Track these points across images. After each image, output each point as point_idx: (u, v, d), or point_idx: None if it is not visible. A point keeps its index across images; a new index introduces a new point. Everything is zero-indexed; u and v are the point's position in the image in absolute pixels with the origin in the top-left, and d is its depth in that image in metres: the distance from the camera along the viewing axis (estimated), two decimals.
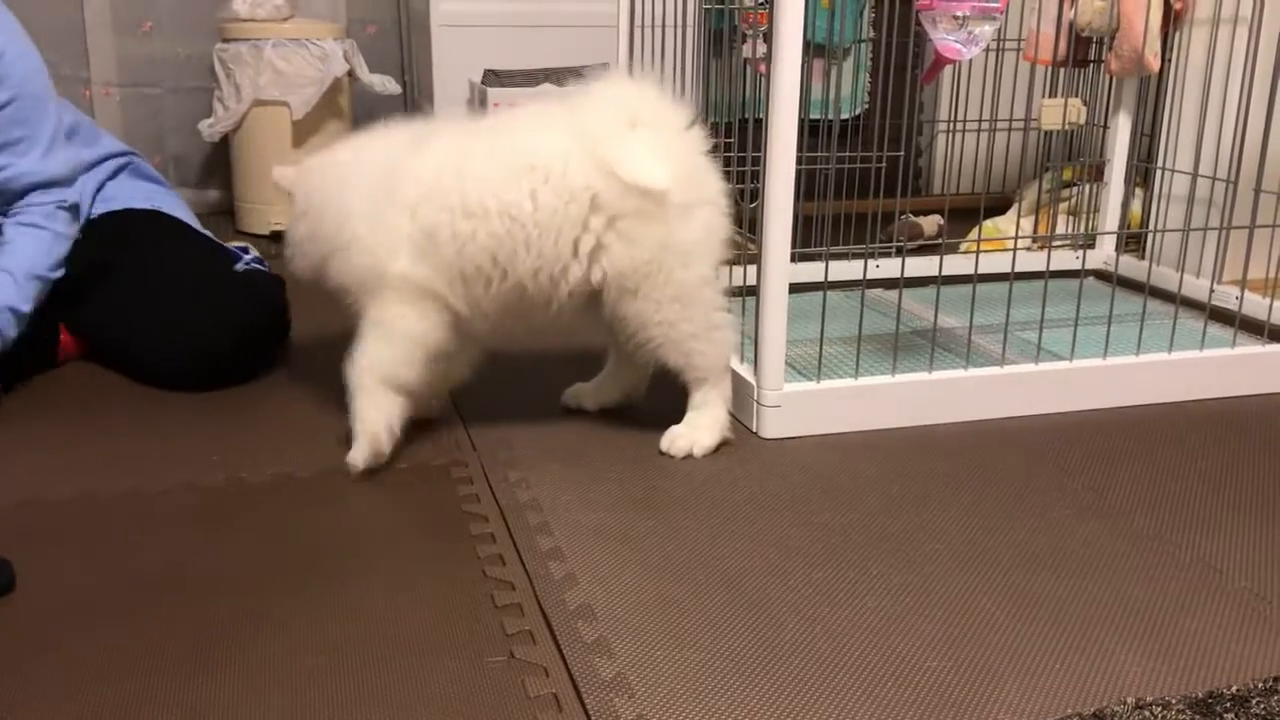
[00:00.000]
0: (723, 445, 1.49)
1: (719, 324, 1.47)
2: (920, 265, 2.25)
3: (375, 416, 1.40)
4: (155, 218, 1.87)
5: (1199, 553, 1.24)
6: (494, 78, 2.42)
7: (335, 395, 1.68)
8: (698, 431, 1.49)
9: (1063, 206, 2.50)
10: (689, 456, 1.47)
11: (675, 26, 2.03)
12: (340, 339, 1.91)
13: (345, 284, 1.43)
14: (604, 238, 1.39)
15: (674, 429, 1.50)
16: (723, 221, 1.47)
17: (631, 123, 1.41)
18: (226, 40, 2.63)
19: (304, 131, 2.60)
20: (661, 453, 1.48)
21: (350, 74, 2.64)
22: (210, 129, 2.66)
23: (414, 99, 3.00)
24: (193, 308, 1.71)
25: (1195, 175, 1.94)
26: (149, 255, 1.79)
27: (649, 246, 1.40)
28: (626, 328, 1.45)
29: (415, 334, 1.41)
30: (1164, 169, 2.20)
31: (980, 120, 2.34)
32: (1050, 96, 2.11)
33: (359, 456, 1.40)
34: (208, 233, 1.93)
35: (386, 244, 1.38)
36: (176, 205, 1.95)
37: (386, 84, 2.68)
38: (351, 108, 2.74)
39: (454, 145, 1.41)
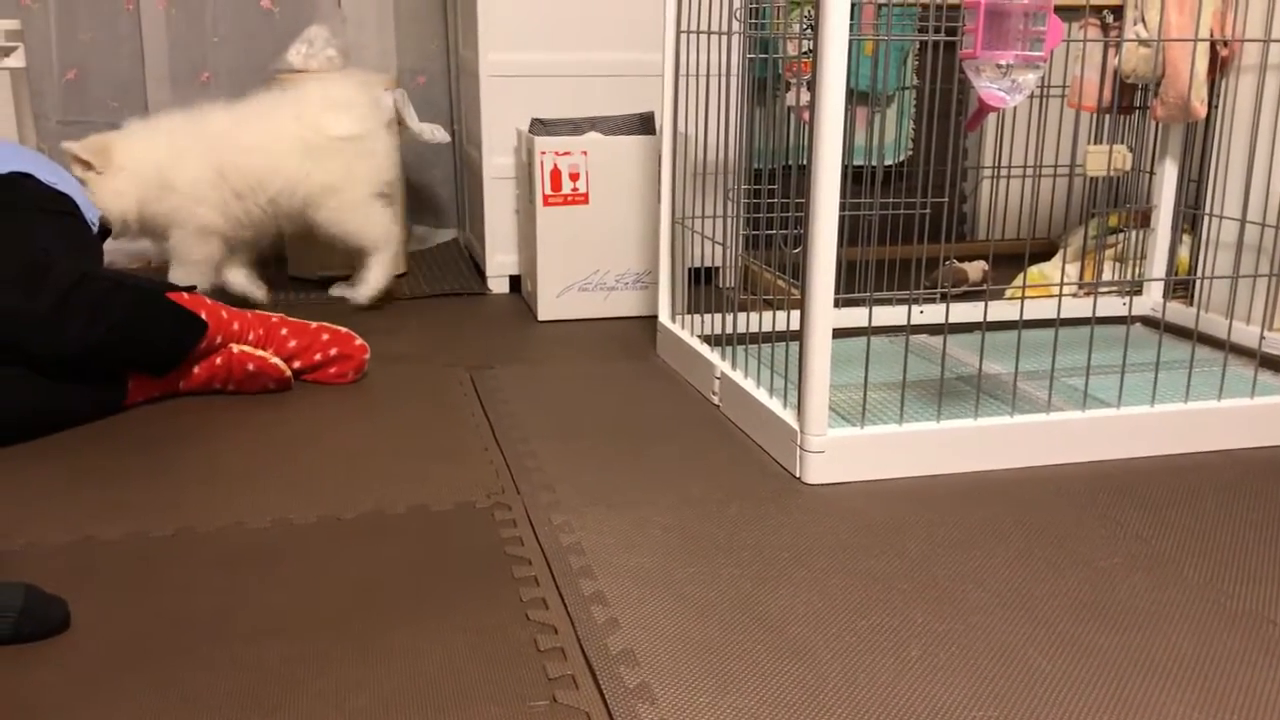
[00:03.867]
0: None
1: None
2: (965, 311, 2.25)
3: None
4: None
5: (1250, 604, 1.22)
6: (541, 127, 2.45)
7: (377, 437, 1.70)
8: (367, 280, 2.47)
9: (1109, 253, 2.49)
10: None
11: (720, 75, 2.05)
12: (387, 380, 1.94)
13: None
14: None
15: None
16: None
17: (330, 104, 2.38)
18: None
19: None
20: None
21: (400, 123, 2.69)
22: None
23: (463, 147, 3.05)
24: None
25: (1243, 221, 1.93)
26: None
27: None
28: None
29: None
30: (1211, 215, 2.19)
31: (1025, 166, 2.34)
32: (1095, 143, 2.11)
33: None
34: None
35: None
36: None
37: (436, 132, 2.73)
38: (401, 156, 2.79)
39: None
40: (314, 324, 1.97)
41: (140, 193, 2.26)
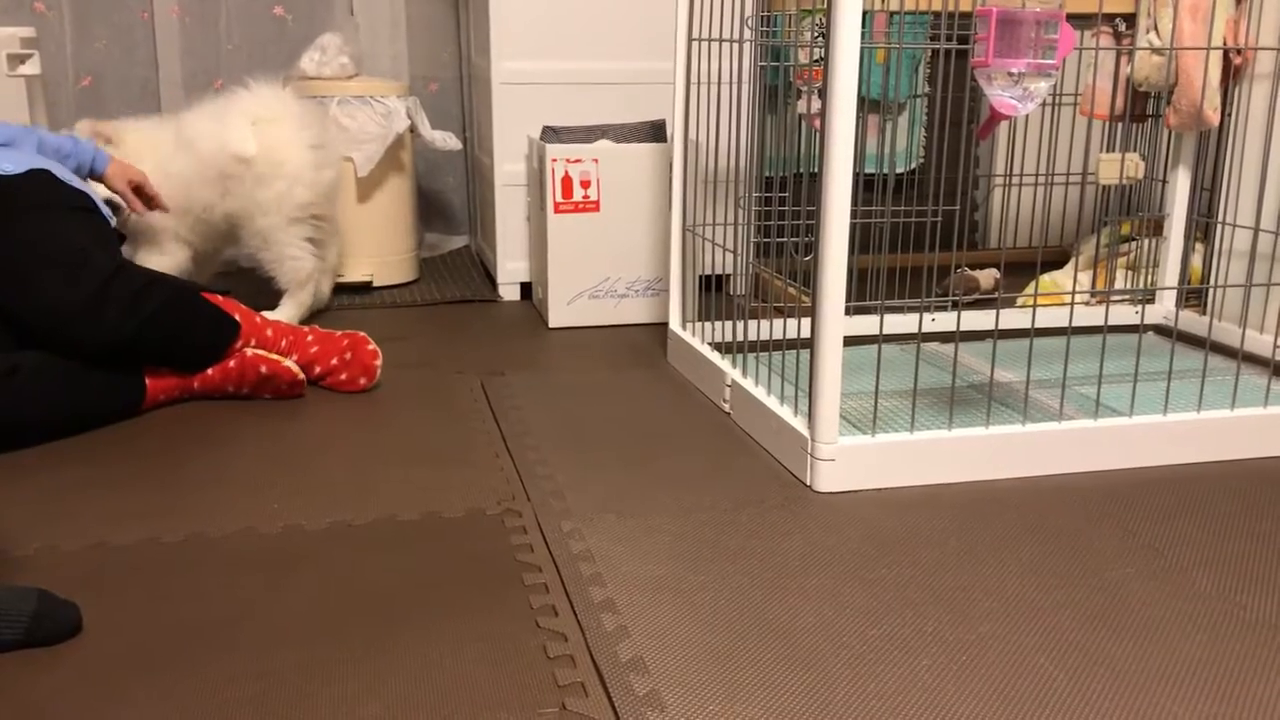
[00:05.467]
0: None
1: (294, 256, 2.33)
2: (977, 319, 2.24)
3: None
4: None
5: (1263, 614, 1.21)
6: (552, 134, 2.46)
7: (388, 444, 1.70)
8: (273, 315, 2.20)
9: (1121, 261, 2.48)
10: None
11: (731, 83, 2.06)
12: (398, 387, 1.95)
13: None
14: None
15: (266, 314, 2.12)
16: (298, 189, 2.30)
17: (251, 118, 2.25)
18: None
19: (368, 186, 2.66)
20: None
21: (412, 130, 2.70)
22: None
23: (474, 154, 3.06)
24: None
25: (1257, 229, 1.92)
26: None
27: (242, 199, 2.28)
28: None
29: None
30: (1224, 223, 2.18)
31: (1037, 174, 2.34)
32: (1108, 151, 2.10)
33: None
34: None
35: None
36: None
37: (448, 140, 2.74)
38: (413, 163, 2.80)
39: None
40: (339, 333, 1.99)
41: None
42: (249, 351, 1.87)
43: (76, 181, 1.92)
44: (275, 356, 1.88)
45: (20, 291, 1.73)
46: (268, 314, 2.15)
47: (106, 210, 1.97)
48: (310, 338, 1.96)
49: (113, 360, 1.76)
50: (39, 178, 1.85)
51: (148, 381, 1.81)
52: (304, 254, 2.34)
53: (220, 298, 1.89)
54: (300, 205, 2.32)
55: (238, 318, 1.88)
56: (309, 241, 2.35)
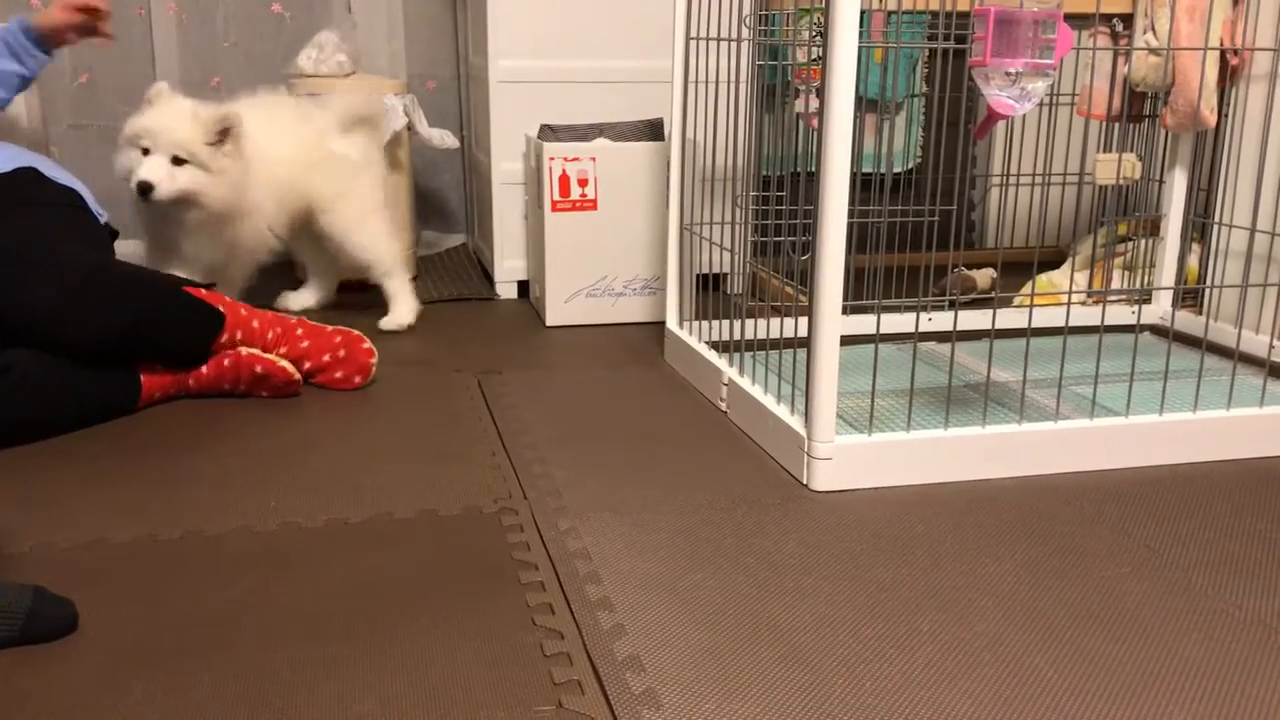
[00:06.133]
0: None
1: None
2: (973, 318, 2.24)
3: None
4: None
5: (1258, 613, 1.21)
6: (550, 132, 2.46)
7: (385, 442, 1.70)
8: (296, 299, 2.51)
9: (1118, 261, 2.49)
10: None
11: (729, 82, 2.05)
12: (395, 385, 1.95)
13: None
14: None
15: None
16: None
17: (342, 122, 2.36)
18: (291, 95, 2.70)
19: None
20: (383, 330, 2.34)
21: (410, 128, 2.70)
22: None
23: (472, 152, 3.06)
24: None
25: (1253, 230, 1.92)
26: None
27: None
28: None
29: None
30: (1221, 224, 2.18)
31: (1034, 174, 2.34)
32: (1105, 151, 2.10)
33: None
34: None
35: None
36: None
37: (445, 138, 2.74)
38: (411, 161, 2.80)
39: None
40: (330, 327, 1.98)
41: None
42: (244, 351, 1.87)
43: (65, 178, 1.91)
44: (270, 357, 1.88)
45: (6, 290, 1.72)
46: (290, 294, 2.40)
47: (97, 208, 1.96)
48: (300, 331, 1.95)
49: (100, 358, 1.76)
50: (25, 175, 1.84)
51: (143, 379, 1.81)
52: (388, 242, 2.40)
53: (204, 291, 1.88)
54: (380, 202, 2.41)
55: (222, 309, 1.87)
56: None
